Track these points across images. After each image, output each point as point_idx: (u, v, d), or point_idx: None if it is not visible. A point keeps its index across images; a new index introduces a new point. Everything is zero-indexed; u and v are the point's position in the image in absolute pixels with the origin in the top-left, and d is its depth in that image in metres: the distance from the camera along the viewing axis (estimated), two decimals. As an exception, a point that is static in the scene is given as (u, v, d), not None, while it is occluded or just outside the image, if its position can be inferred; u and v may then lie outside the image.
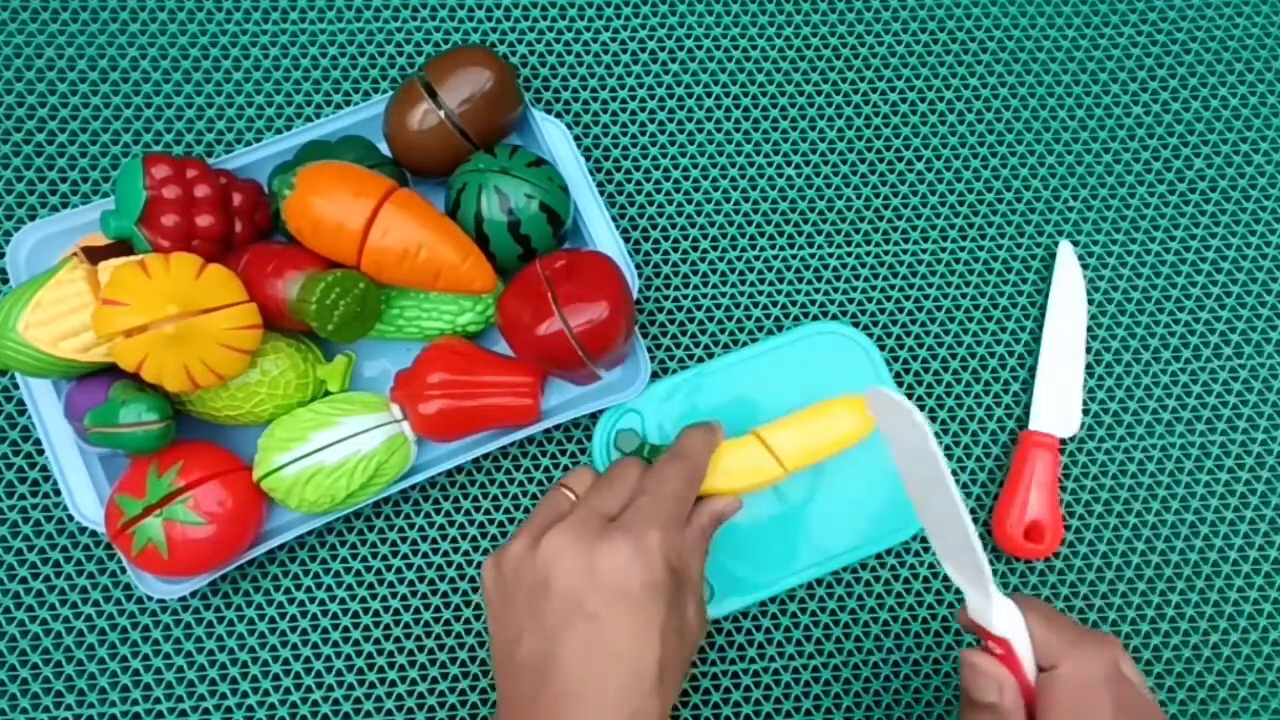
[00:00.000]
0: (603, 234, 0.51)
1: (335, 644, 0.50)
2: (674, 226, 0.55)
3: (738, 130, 0.57)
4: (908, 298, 0.55)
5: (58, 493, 0.50)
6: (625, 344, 0.49)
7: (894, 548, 0.52)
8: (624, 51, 0.57)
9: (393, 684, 0.50)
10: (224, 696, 0.49)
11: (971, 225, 0.56)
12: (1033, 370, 0.54)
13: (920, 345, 0.54)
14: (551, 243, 0.49)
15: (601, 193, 0.55)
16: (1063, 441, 0.53)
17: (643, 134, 0.56)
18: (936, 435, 0.53)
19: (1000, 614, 0.35)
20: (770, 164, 0.56)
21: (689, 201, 0.56)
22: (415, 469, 0.49)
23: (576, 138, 0.55)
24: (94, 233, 0.49)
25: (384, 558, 0.51)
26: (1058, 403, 0.53)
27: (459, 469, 0.51)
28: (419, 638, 0.50)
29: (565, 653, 0.37)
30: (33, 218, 0.53)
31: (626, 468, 0.43)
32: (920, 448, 0.34)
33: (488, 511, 0.51)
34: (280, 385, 0.47)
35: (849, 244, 0.56)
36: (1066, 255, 0.55)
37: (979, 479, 0.53)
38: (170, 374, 0.42)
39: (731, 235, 0.55)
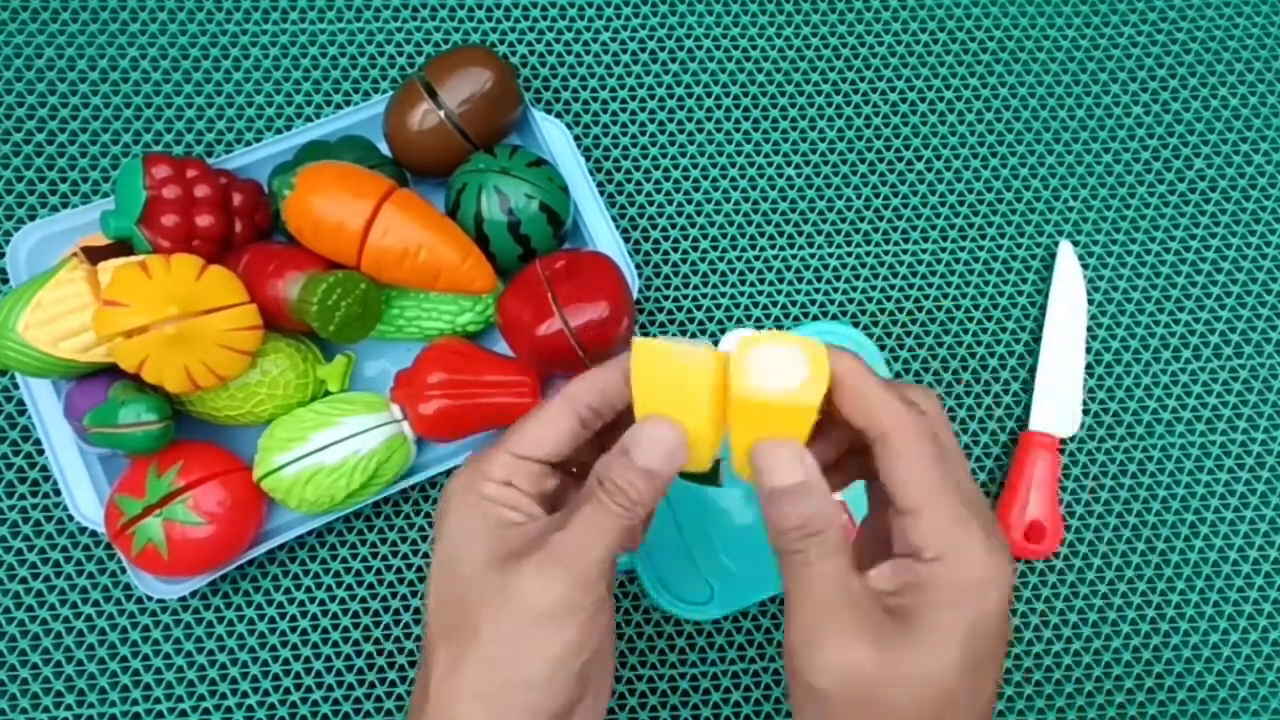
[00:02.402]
0: (603, 234, 0.51)
1: (335, 644, 0.50)
2: (674, 226, 0.55)
3: (738, 130, 0.57)
4: (908, 298, 0.55)
5: (58, 493, 0.50)
6: (625, 344, 0.49)
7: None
8: (624, 51, 0.57)
9: (393, 684, 0.50)
10: (224, 696, 0.49)
11: (971, 225, 0.56)
12: (1033, 370, 0.54)
13: (920, 345, 0.54)
14: (551, 243, 0.49)
15: (601, 193, 0.55)
16: (1063, 441, 0.53)
17: (643, 134, 0.56)
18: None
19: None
20: (770, 164, 0.56)
21: (689, 201, 0.56)
22: (415, 469, 0.49)
23: (576, 138, 0.55)
24: (94, 233, 0.49)
25: (384, 558, 0.51)
26: (1058, 403, 0.53)
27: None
28: (419, 638, 0.50)
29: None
30: (33, 218, 0.53)
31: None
32: None
33: (488, 511, 0.51)
34: (280, 385, 0.47)
35: (849, 244, 0.56)
36: (1066, 255, 0.55)
37: (979, 479, 0.53)
38: (170, 375, 0.42)
39: (731, 235, 0.55)
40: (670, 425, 0.30)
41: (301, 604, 0.50)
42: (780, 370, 0.29)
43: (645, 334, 0.53)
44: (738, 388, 0.29)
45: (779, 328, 0.54)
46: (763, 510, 0.30)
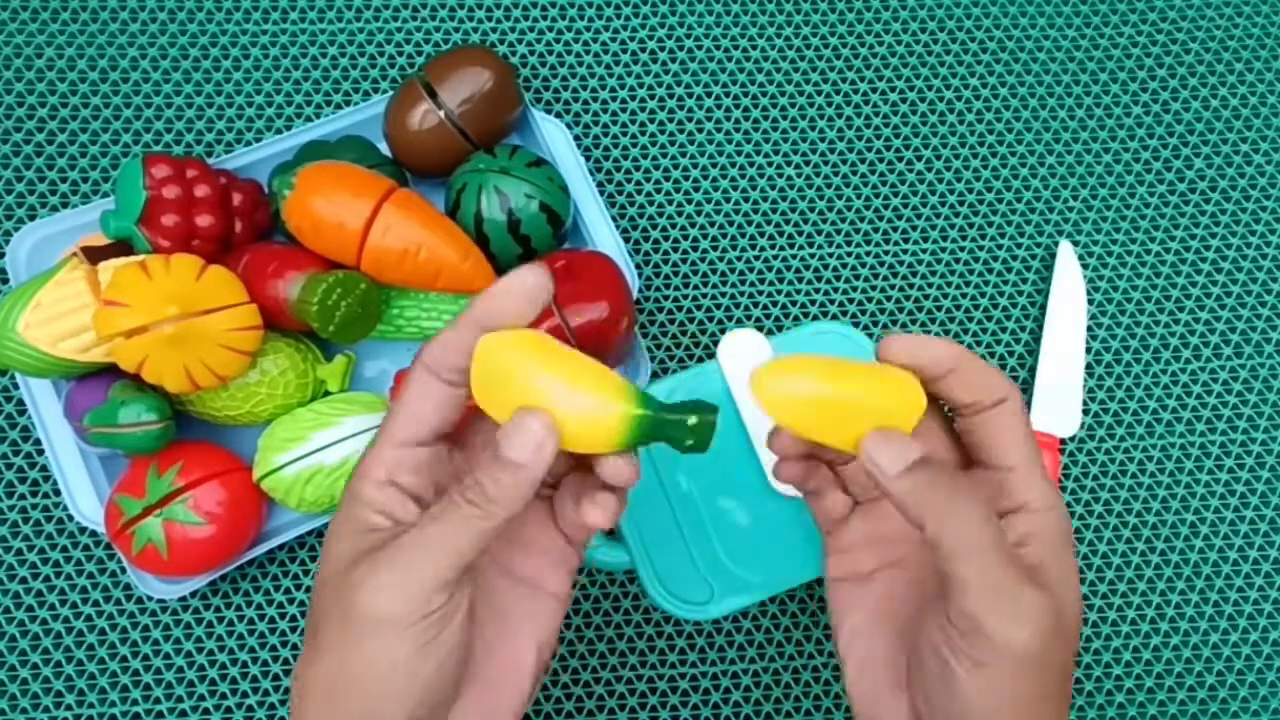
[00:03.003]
0: (603, 234, 0.51)
1: (335, 644, 0.50)
2: (674, 226, 0.55)
3: (738, 130, 0.57)
4: (908, 298, 0.55)
5: (58, 493, 0.50)
6: (625, 344, 0.49)
7: (894, 548, 0.52)
8: (624, 51, 0.57)
9: (393, 684, 0.50)
10: (224, 696, 0.49)
11: (971, 225, 0.56)
12: (1033, 370, 0.54)
13: (920, 345, 0.55)
14: (551, 243, 0.49)
15: (601, 193, 0.55)
16: (1063, 441, 0.53)
17: (643, 134, 0.56)
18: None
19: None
20: (770, 164, 0.56)
21: (689, 201, 0.56)
22: (415, 469, 0.49)
23: (576, 138, 0.55)
24: (94, 233, 0.49)
25: (384, 558, 0.51)
26: (1058, 403, 0.53)
27: (459, 469, 0.52)
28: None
29: None
30: (33, 218, 0.53)
31: None
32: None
33: (488, 511, 0.51)
34: (280, 385, 0.47)
35: (849, 244, 0.56)
36: (1066, 255, 0.55)
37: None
38: (170, 375, 0.42)
39: (731, 235, 0.55)
40: (538, 415, 0.28)
41: (301, 604, 0.50)
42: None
43: (645, 333, 0.53)
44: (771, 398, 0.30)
45: (779, 328, 0.54)
46: (897, 503, 0.30)
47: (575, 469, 0.34)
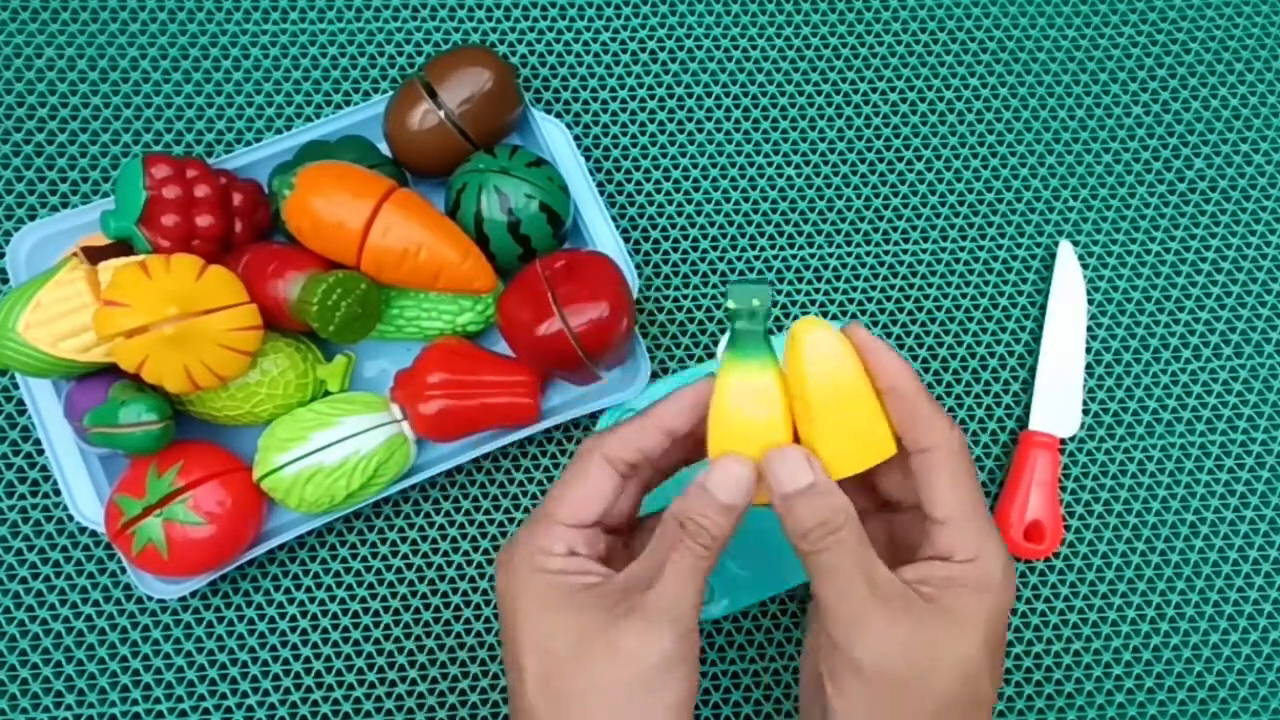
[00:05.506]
0: (603, 234, 0.51)
1: (335, 644, 0.50)
2: (674, 226, 0.55)
3: (738, 130, 0.57)
4: (908, 297, 0.55)
5: (58, 493, 0.50)
6: (625, 344, 0.49)
7: (894, 548, 0.52)
8: (624, 51, 0.57)
9: (393, 684, 0.50)
10: (224, 696, 0.49)
11: (971, 225, 0.56)
12: (1033, 370, 0.54)
13: (920, 345, 0.55)
14: (551, 243, 0.49)
15: (601, 193, 0.55)
16: (1063, 441, 0.53)
17: (643, 134, 0.56)
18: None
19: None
20: (770, 164, 0.56)
21: (689, 201, 0.56)
22: (415, 469, 0.49)
23: (576, 138, 0.55)
24: (94, 233, 0.49)
25: (384, 558, 0.51)
26: (1058, 403, 0.53)
27: (459, 469, 0.52)
28: (419, 638, 0.50)
29: None
30: (33, 218, 0.53)
31: None
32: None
33: (488, 511, 0.51)
34: (280, 385, 0.47)
35: (849, 244, 0.56)
36: (1066, 255, 0.55)
37: (979, 479, 0.53)
38: (170, 375, 0.42)
39: (731, 235, 0.55)
40: (740, 461, 0.32)
41: (301, 604, 0.50)
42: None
43: (644, 333, 0.53)
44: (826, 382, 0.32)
45: (779, 328, 0.54)
46: (780, 518, 0.32)
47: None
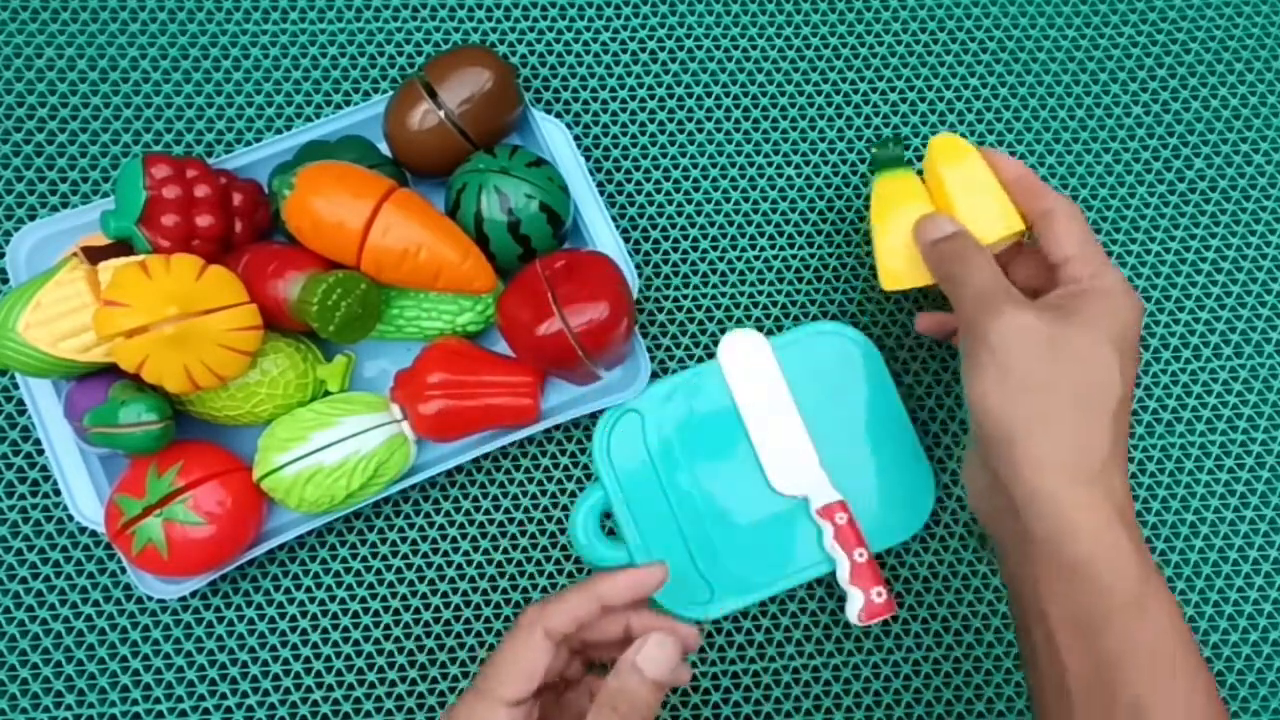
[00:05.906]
0: (603, 234, 0.51)
1: (335, 644, 0.50)
2: (674, 226, 0.55)
3: (738, 130, 0.57)
4: (908, 297, 0.55)
5: (58, 493, 0.50)
6: (625, 344, 0.49)
7: (893, 547, 0.52)
8: (624, 51, 0.57)
9: (393, 684, 0.50)
10: (224, 696, 0.49)
11: (971, 225, 0.56)
12: (1033, 370, 0.54)
13: (920, 345, 0.54)
14: (551, 243, 0.49)
15: (601, 193, 0.55)
16: (1063, 441, 0.53)
17: (643, 134, 0.56)
18: (936, 435, 0.53)
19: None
20: (770, 164, 0.56)
21: (689, 201, 0.56)
22: (415, 469, 0.49)
23: (576, 138, 0.55)
24: (94, 233, 0.49)
25: (384, 558, 0.51)
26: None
27: (459, 469, 0.52)
28: (419, 638, 0.50)
29: None
30: (33, 218, 0.53)
31: None
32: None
33: (488, 511, 0.51)
34: (280, 385, 0.47)
35: (849, 244, 0.56)
36: (1067, 255, 0.55)
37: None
38: (170, 375, 0.42)
39: (731, 235, 0.55)
40: (667, 639, 0.36)
41: (301, 604, 0.50)
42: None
43: (645, 333, 0.53)
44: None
45: (779, 328, 0.54)
46: (926, 259, 0.43)
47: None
